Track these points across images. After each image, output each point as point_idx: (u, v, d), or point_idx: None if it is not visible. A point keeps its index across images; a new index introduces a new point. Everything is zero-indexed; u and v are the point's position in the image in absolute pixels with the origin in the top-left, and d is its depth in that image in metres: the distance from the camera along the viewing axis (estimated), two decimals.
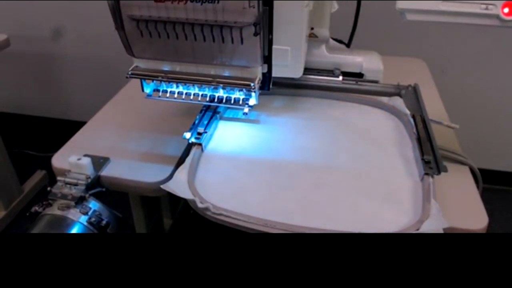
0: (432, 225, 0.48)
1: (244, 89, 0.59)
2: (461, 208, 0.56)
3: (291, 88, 0.78)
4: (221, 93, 0.61)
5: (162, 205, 1.16)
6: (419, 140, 0.63)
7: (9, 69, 1.75)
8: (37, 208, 0.53)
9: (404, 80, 0.76)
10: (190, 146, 0.63)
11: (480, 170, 0.65)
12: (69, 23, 1.58)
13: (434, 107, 0.78)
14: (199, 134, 0.64)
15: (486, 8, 0.53)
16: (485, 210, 0.55)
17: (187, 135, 0.63)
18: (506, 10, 0.52)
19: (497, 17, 0.53)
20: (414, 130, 0.66)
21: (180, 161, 0.61)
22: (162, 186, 0.55)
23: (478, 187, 0.61)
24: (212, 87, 0.60)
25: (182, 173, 0.57)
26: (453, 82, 1.36)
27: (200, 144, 0.62)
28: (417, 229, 0.49)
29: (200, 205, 0.52)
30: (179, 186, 0.55)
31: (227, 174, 0.60)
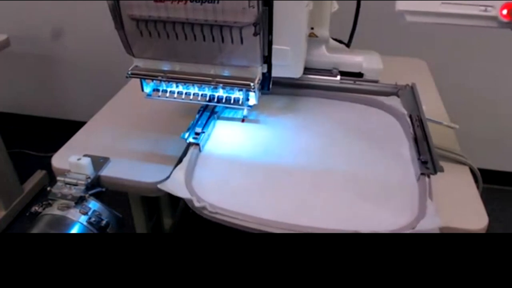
0: (428, 224, 0.49)
1: (243, 89, 0.59)
2: (461, 208, 0.56)
3: (290, 87, 0.78)
4: (220, 93, 0.61)
5: (162, 205, 1.16)
6: (415, 140, 0.63)
7: (9, 69, 1.75)
8: (37, 208, 0.53)
9: (404, 80, 0.77)
10: (188, 146, 0.63)
11: (480, 170, 0.65)
12: (69, 23, 1.58)
13: (434, 107, 0.78)
14: (197, 134, 0.64)
15: (485, 10, 0.53)
16: (485, 210, 0.55)
17: (185, 135, 0.63)
18: (504, 11, 0.52)
19: (496, 18, 0.53)
20: (411, 129, 0.66)
21: (180, 161, 0.61)
22: (159, 186, 0.56)
23: (478, 187, 0.61)
24: (212, 87, 0.60)
25: (179, 172, 0.57)
26: (453, 82, 1.36)
27: (197, 144, 0.62)
28: (413, 228, 0.49)
29: (197, 204, 0.52)
30: (176, 185, 0.55)
31: (224, 174, 0.60)
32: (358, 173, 0.60)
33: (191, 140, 0.63)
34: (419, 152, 0.60)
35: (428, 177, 0.56)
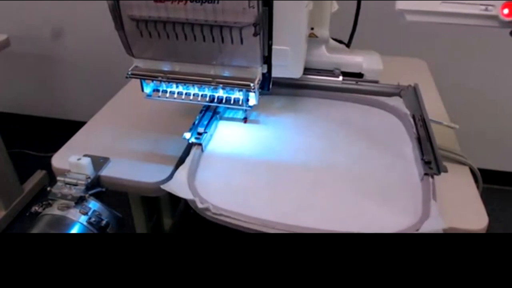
0: (432, 226, 0.48)
1: (243, 89, 0.59)
2: (461, 208, 0.56)
3: (291, 88, 0.78)
4: (220, 93, 0.61)
5: (162, 205, 1.16)
6: (419, 140, 0.63)
7: (9, 69, 1.75)
8: (37, 208, 0.53)
9: (404, 80, 0.77)
10: (190, 146, 0.63)
11: (480, 170, 0.65)
12: (69, 23, 1.58)
13: (434, 107, 0.78)
14: (199, 134, 0.64)
15: (486, 9, 0.53)
16: (485, 210, 0.55)
17: (187, 135, 0.63)
18: (505, 11, 0.52)
19: (497, 18, 0.53)
20: (414, 130, 0.66)
21: (180, 161, 0.61)
22: (162, 186, 0.55)
23: (478, 187, 0.61)
24: (212, 87, 0.60)
25: (182, 173, 0.57)
26: (453, 82, 1.36)
27: (200, 144, 0.62)
28: (417, 230, 0.49)
29: (200, 205, 0.52)
30: (179, 186, 0.55)
31: (227, 175, 0.60)
32: (361, 174, 0.60)
33: (193, 140, 0.63)
34: (422, 152, 0.60)
35: (432, 177, 0.56)
